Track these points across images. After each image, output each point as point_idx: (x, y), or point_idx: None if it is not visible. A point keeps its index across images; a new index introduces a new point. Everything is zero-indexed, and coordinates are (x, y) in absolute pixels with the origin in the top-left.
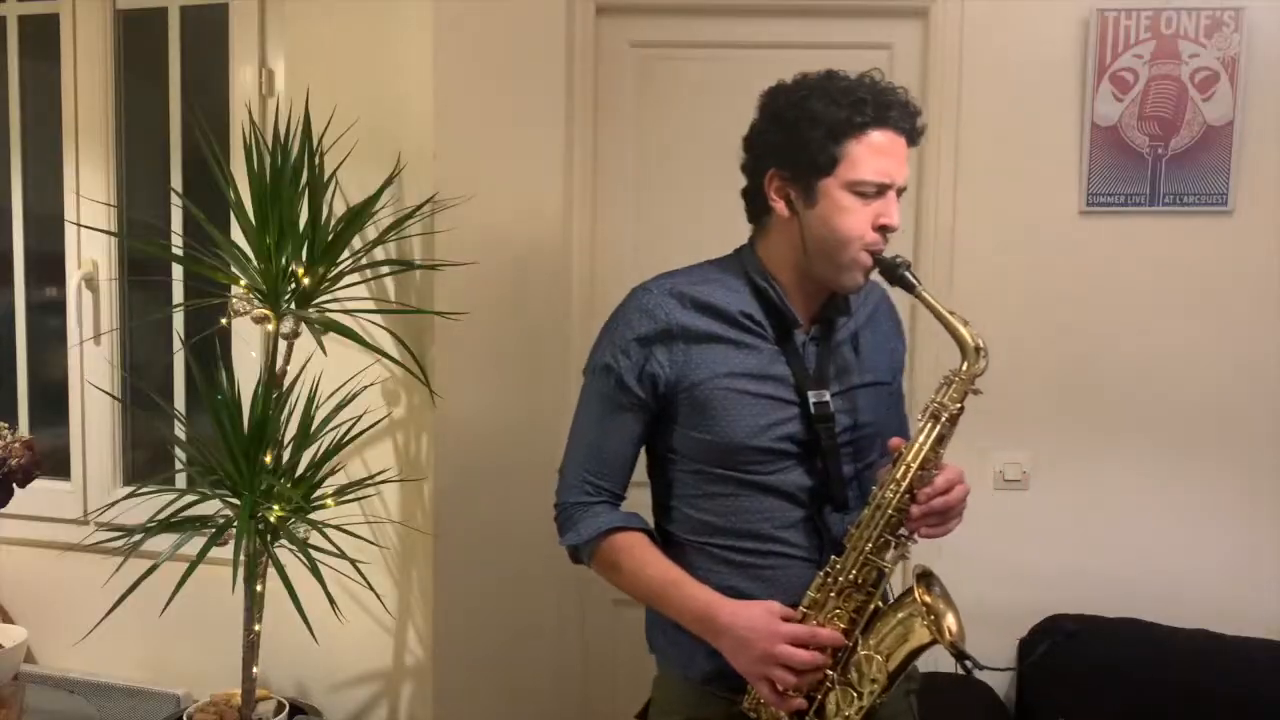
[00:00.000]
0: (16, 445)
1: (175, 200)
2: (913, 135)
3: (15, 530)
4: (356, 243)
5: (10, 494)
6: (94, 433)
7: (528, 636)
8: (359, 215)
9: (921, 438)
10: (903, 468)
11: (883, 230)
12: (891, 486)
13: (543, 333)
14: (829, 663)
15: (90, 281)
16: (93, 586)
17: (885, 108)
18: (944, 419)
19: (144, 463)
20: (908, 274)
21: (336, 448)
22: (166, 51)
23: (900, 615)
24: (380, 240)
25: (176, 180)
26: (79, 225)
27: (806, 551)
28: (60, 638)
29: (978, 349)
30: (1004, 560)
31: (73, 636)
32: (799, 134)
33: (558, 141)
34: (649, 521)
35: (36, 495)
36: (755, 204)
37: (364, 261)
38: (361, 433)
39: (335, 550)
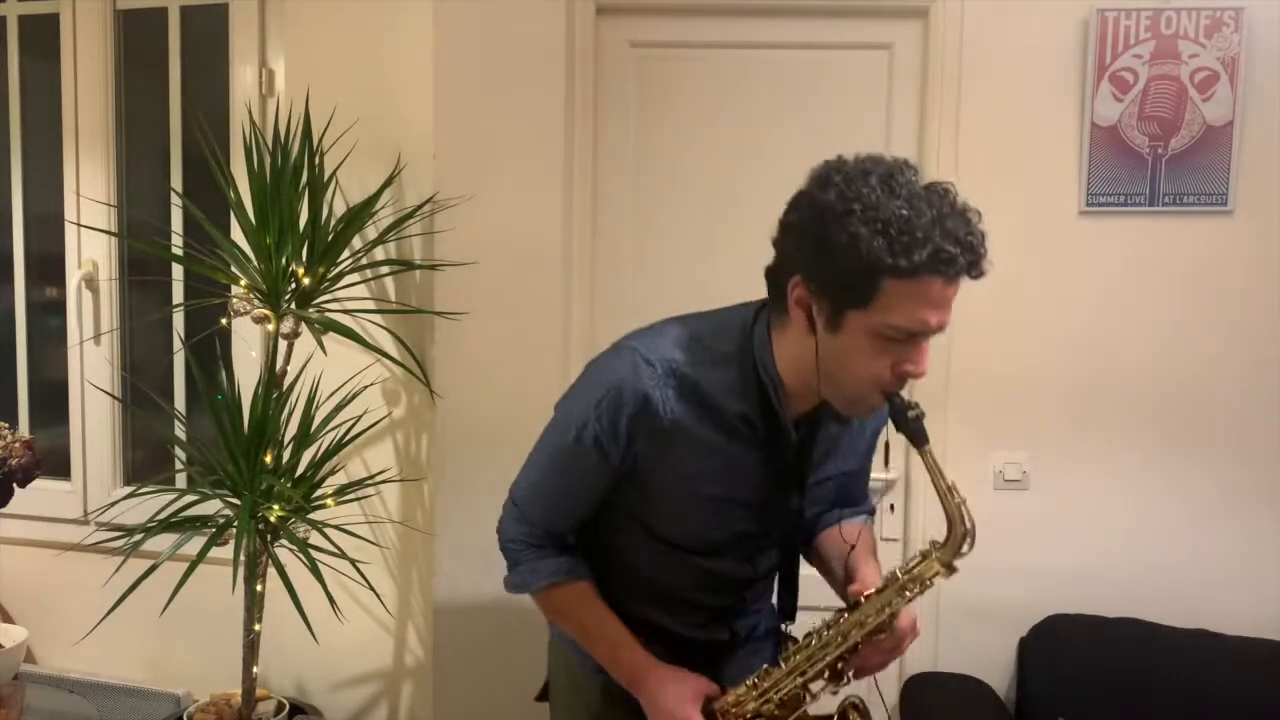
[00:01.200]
0: (16, 445)
1: (175, 200)
2: (974, 275)
3: (15, 530)
4: (356, 243)
5: (10, 494)
6: (94, 433)
7: (528, 636)
8: (359, 215)
9: (883, 601)
10: (857, 624)
11: (903, 376)
12: (841, 636)
13: (543, 333)
14: None
15: (90, 281)
16: (93, 586)
17: (940, 256)
18: (911, 589)
19: (144, 463)
20: (920, 428)
21: (337, 448)
22: (166, 51)
23: None
24: (380, 240)
25: (176, 180)
26: (79, 225)
27: (722, 605)
28: (60, 638)
29: (966, 535)
30: (1004, 560)
31: (73, 636)
32: (834, 257)
33: (558, 141)
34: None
35: (36, 495)
36: (776, 296)
37: (364, 261)
38: (361, 433)
39: (335, 550)
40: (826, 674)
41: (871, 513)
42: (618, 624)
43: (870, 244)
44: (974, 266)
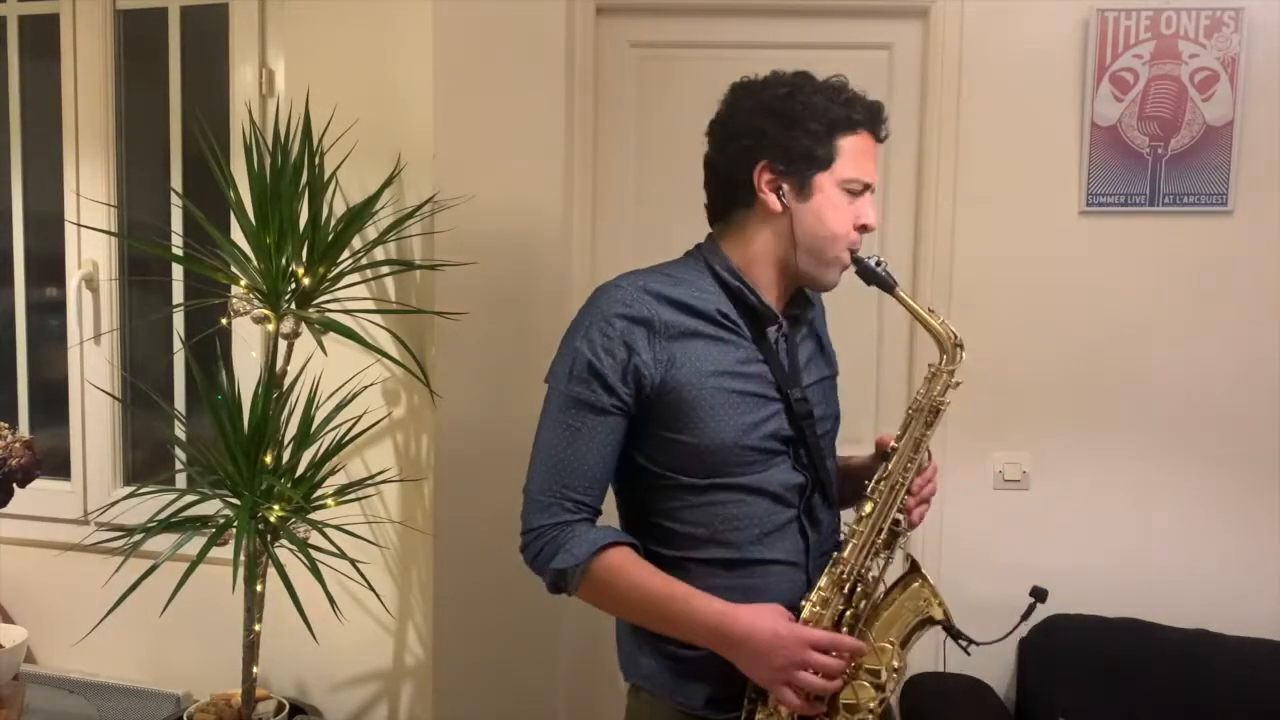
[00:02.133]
0: (16, 445)
1: (175, 200)
2: (883, 139)
3: (15, 530)
4: (356, 243)
5: (10, 494)
6: (94, 433)
7: (528, 636)
8: (359, 215)
9: (915, 433)
10: (903, 461)
11: (862, 230)
12: (897, 481)
13: (543, 333)
14: (850, 666)
15: (90, 281)
16: (93, 586)
17: (874, 111)
18: (936, 411)
19: (144, 463)
20: (886, 273)
21: (337, 448)
22: (166, 51)
23: (901, 601)
24: (380, 240)
25: (176, 180)
26: (79, 225)
27: (792, 556)
28: (60, 638)
29: (956, 345)
30: (1004, 560)
31: (73, 636)
32: (799, 126)
33: (558, 141)
34: None
35: (36, 495)
36: (729, 198)
37: (364, 261)
38: (361, 433)
39: (335, 550)
40: (886, 525)
41: None
42: (680, 582)
43: (825, 106)
44: (884, 126)
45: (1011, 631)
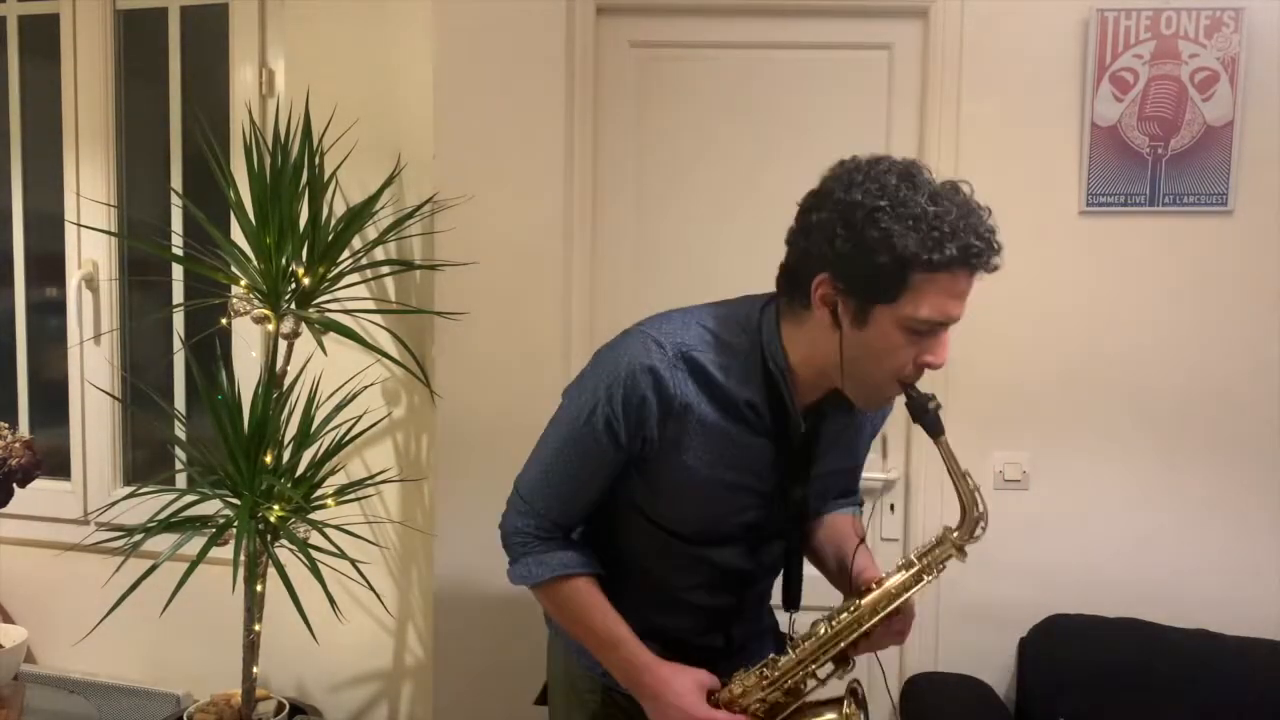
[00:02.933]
0: (16, 445)
1: (175, 200)
2: (991, 268)
3: (15, 530)
4: (356, 243)
5: (10, 494)
6: (94, 433)
7: (527, 636)
8: (359, 215)
9: (901, 588)
10: (871, 610)
11: (922, 368)
12: (857, 623)
13: (543, 333)
14: None
15: (90, 281)
16: (93, 586)
17: (969, 250)
18: (927, 575)
19: (144, 463)
20: (937, 419)
21: (337, 448)
22: (166, 51)
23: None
24: (380, 240)
25: (176, 180)
26: (79, 225)
27: (723, 604)
28: (60, 638)
29: (979, 520)
30: (1004, 560)
31: (73, 636)
32: (866, 254)
33: (558, 141)
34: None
35: (36, 495)
36: (796, 289)
37: (364, 261)
38: (362, 433)
39: (335, 550)
40: (835, 660)
41: (860, 505)
42: (621, 622)
43: (904, 239)
44: (994, 259)
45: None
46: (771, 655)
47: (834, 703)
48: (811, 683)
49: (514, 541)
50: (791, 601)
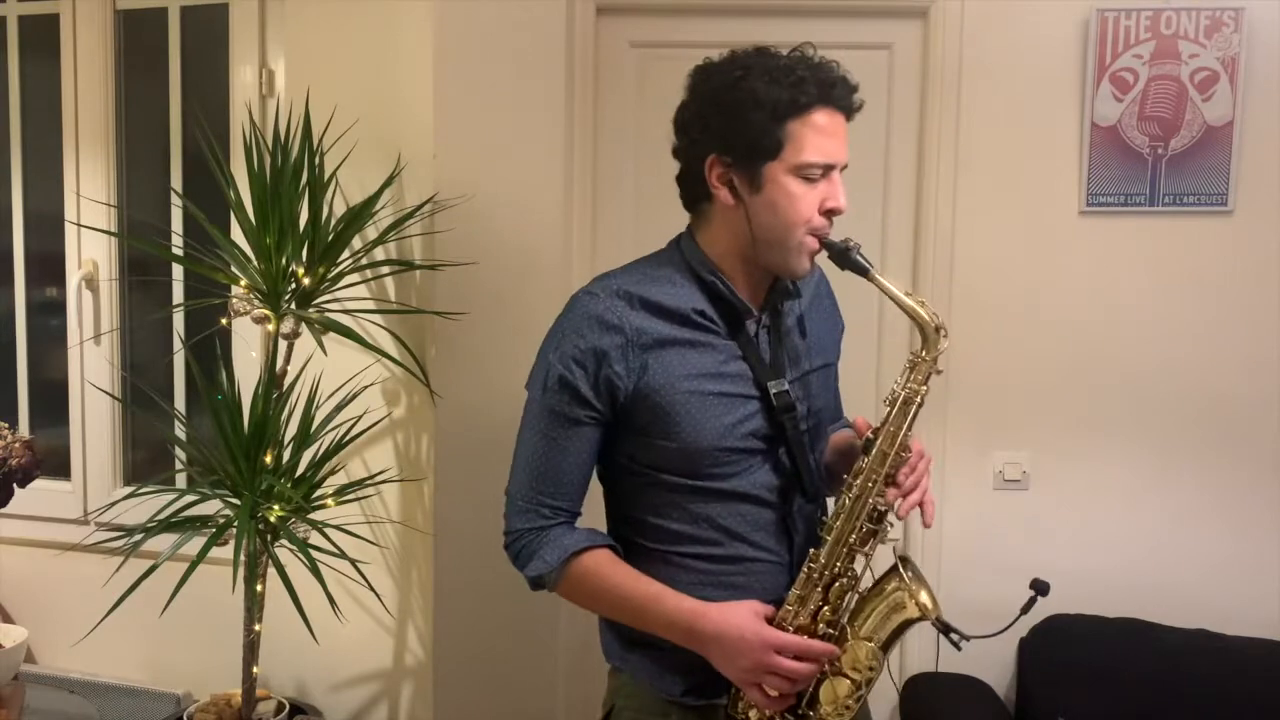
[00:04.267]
0: (16, 445)
1: (175, 200)
2: (851, 111)
3: (15, 530)
4: (356, 243)
5: (10, 494)
6: (94, 433)
7: (528, 636)
8: (359, 215)
9: (893, 424)
10: (880, 454)
11: (829, 214)
12: (871, 475)
13: (543, 333)
14: (820, 670)
15: (90, 281)
16: (93, 586)
17: (828, 85)
18: (914, 402)
19: (144, 463)
20: (859, 257)
21: (337, 448)
22: (166, 51)
23: (883, 599)
24: (380, 240)
25: (176, 180)
26: (79, 225)
27: (775, 555)
28: (60, 638)
29: (938, 329)
30: (1004, 560)
31: (73, 636)
32: (740, 117)
33: (558, 141)
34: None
35: (36, 495)
36: (693, 191)
37: (364, 261)
38: (361, 433)
39: (335, 550)
40: (871, 516)
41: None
42: (653, 580)
43: (768, 91)
44: (850, 95)
45: (1009, 625)
46: (810, 551)
47: (890, 573)
48: (861, 565)
49: (519, 545)
50: (810, 495)
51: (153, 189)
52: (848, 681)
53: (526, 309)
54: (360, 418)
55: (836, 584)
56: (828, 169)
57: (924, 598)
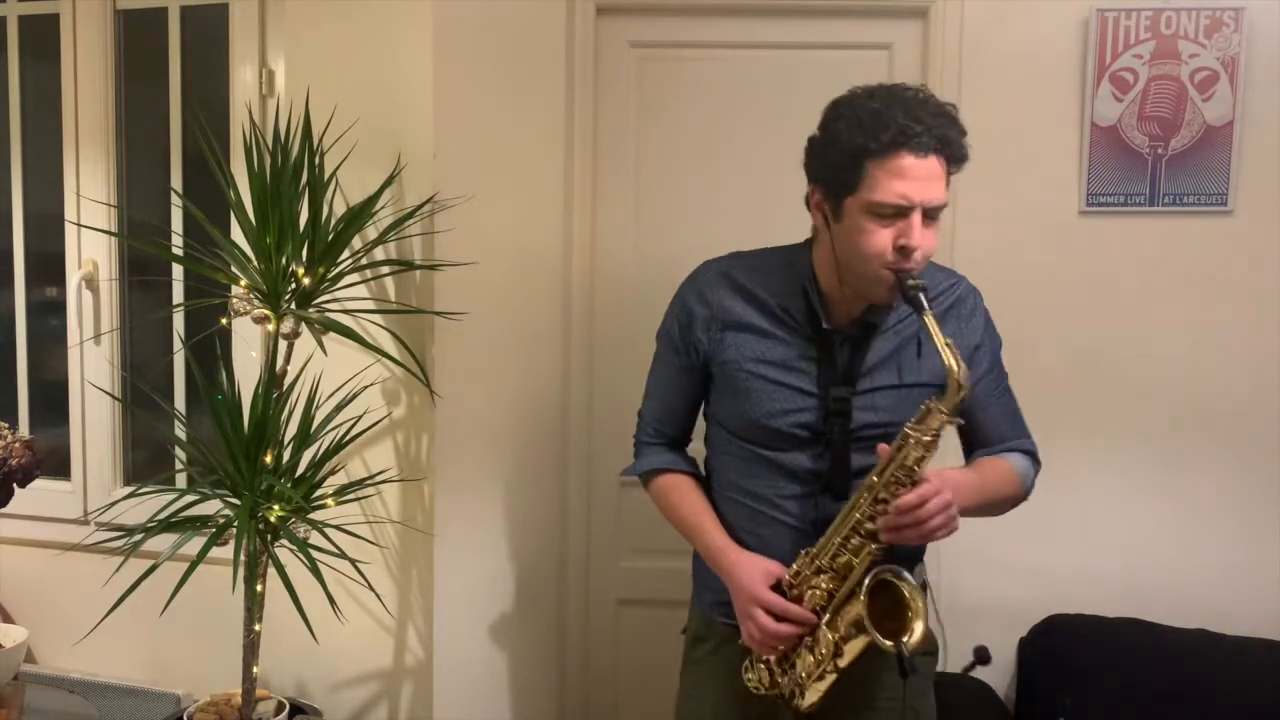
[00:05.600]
0: (16, 445)
1: (175, 200)
2: (946, 153)
3: (15, 530)
4: (356, 243)
5: (10, 494)
6: (94, 433)
7: (528, 636)
8: (359, 215)
9: (904, 454)
10: (873, 478)
11: (902, 251)
12: (862, 495)
13: (542, 333)
14: (798, 633)
15: (90, 281)
16: (93, 586)
17: (904, 132)
18: (913, 443)
19: (144, 463)
20: (919, 296)
21: (337, 448)
22: (166, 51)
23: (857, 606)
24: (380, 240)
25: (176, 180)
26: (79, 225)
27: (800, 522)
28: (60, 638)
29: (960, 386)
30: (1004, 560)
31: (73, 636)
32: (827, 155)
33: (558, 141)
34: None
35: (36, 495)
36: (809, 210)
37: (364, 261)
38: (362, 433)
39: (335, 550)
40: (862, 531)
41: (1028, 454)
42: (707, 511)
43: (850, 134)
44: (941, 142)
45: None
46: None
47: (881, 589)
48: (863, 564)
49: (635, 448)
50: (837, 494)
51: (153, 189)
52: (812, 658)
53: (526, 309)
54: (360, 418)
55: (831, 576)
56: (901, 210)
57: (917, 625)
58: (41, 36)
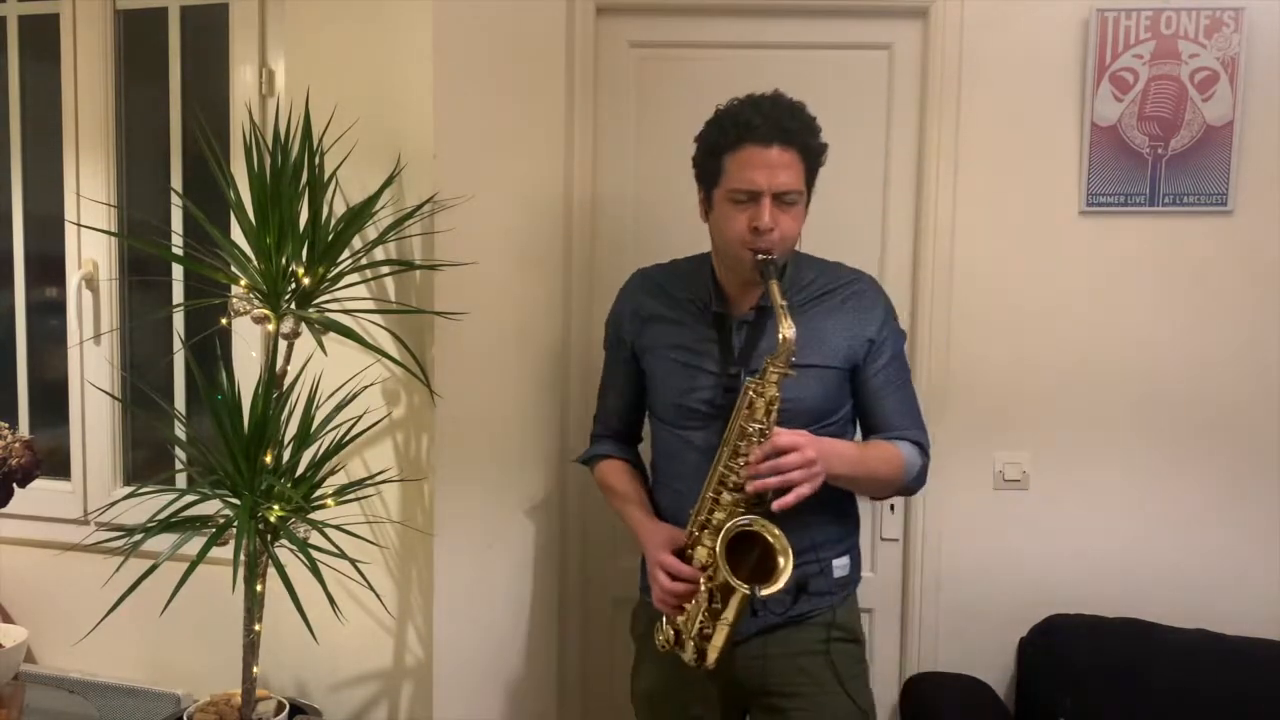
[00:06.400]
0: (16, 445)
1: (175, 200)
2: (794, 144)
3: (15, 530)
4: (356, 243)
5: (10, 494)
6: (94, 433)
7: (528, 636)
8: (359, 215)
9: (740, 410)
10: (728, 435)
11: (755, 231)
12: (724, 447)
13: (542, 333)
14: (691, 590)
15: (90, 281)
16: (93, 586)
17: (746, 125)
18: (754, 396)
19: (144, 463)
20: (768, 267)
21: (337, 448)
22: (166, 51)
23: (719, 556)
24: (380, 240)
25: (176, 180)
26: (79, 225)
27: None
28: (60, 638)
29: (786, 339)
30: (1004, 560)
31: (73, 636)
32: (700, 155)
33: (558, 141)
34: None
35: (36, 495)
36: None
37: (364, 261)
38: (361, 433)
39: (335, 550)
40: (729, 484)
41: (916, 445)
42: (637, 492)
43: (708, 134)
44: (781, 132)
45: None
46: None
47: (741, 539)
48: (730, 518)
49: (589, 443)
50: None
51: (153, 189)
52: (701, 613)
53: (526, 309)
54: (360, 418)
55: (707, 532)
56: (753, 194)
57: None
58: (41, 36)
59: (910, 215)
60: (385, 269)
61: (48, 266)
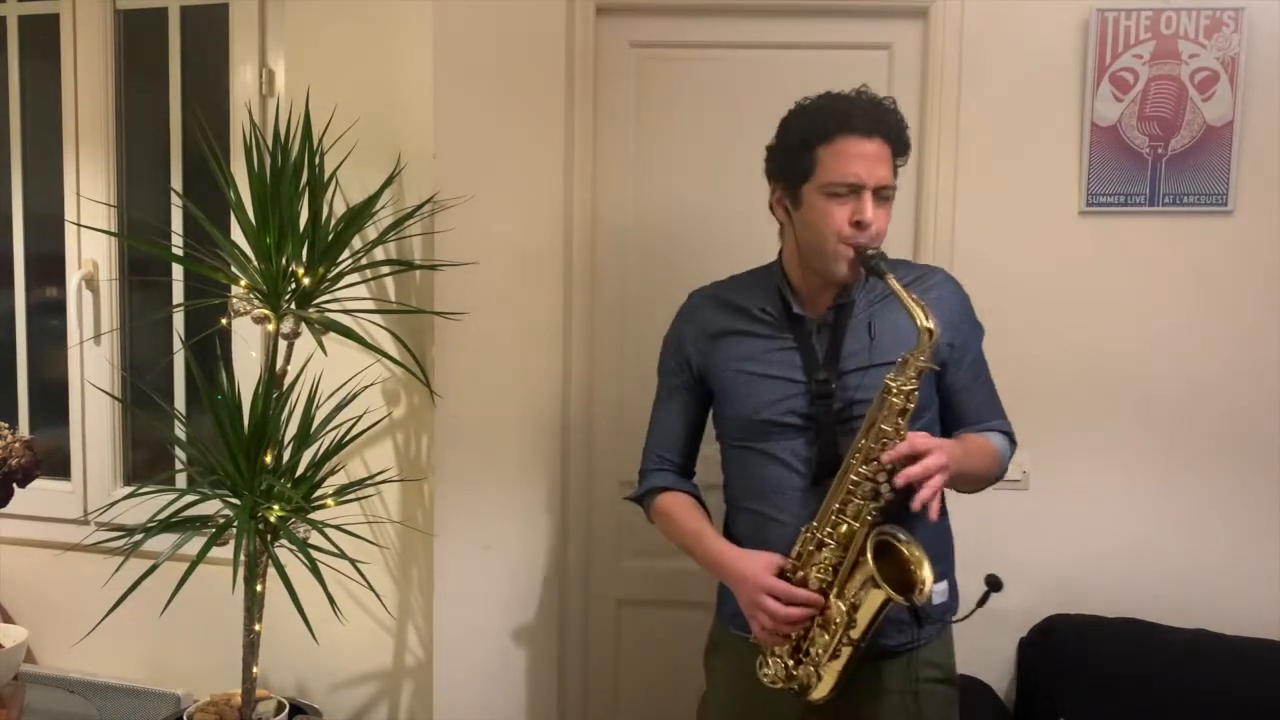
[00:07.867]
0: (16, 445)
1: (175, 200)
2: (889, 137)
3: (15, 530)
4: (356, 243)
5: (10, 494)
6: (94, 433)
7: (528, 636)
8: (359, 215)
9: (877, 409)
10: (861, 440)
11: (858, 226)
12: (853, 455)
13: (542, 333)
14: (807, 615)
15: (90, 281)
16: (93, 586)
17: (844, 117)
18: (895, 393)
19: (144, 463)
20: (878, 263)
21: (337, 448)
22: (166, 51)
23: (864, 570)
24: (380, 240)
25: (176, 180)
26: (79, 225)
27: (799, 520)
28: (60, 638)
29: (931, 333)
30: (1004, 560)
31: (73, 636)
32: (782, 152)
33: (558, 141)
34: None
35: (36, 495)
36: (773, 215)
37: (364, 261)
38: (362, 433)
39: (335, 550)
40: (859, 494)
41: (1005, 435)
42: (706, 523)
43: (798, 128)
44: (880, 124)
45: (968, 615)
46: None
47: (883, 550)
48: (848, 531)
49: (639, 478)
50: (830, 471)
51: (153, 189)
52: (826, 635)
53: (526, 309)
54: (360, 418)
55: (826, 548)
56: (854, 188)
57: (922, 573)
58: (41, 36)
59: (910, 215)
60: (385, 269)
61: (48, 266)
